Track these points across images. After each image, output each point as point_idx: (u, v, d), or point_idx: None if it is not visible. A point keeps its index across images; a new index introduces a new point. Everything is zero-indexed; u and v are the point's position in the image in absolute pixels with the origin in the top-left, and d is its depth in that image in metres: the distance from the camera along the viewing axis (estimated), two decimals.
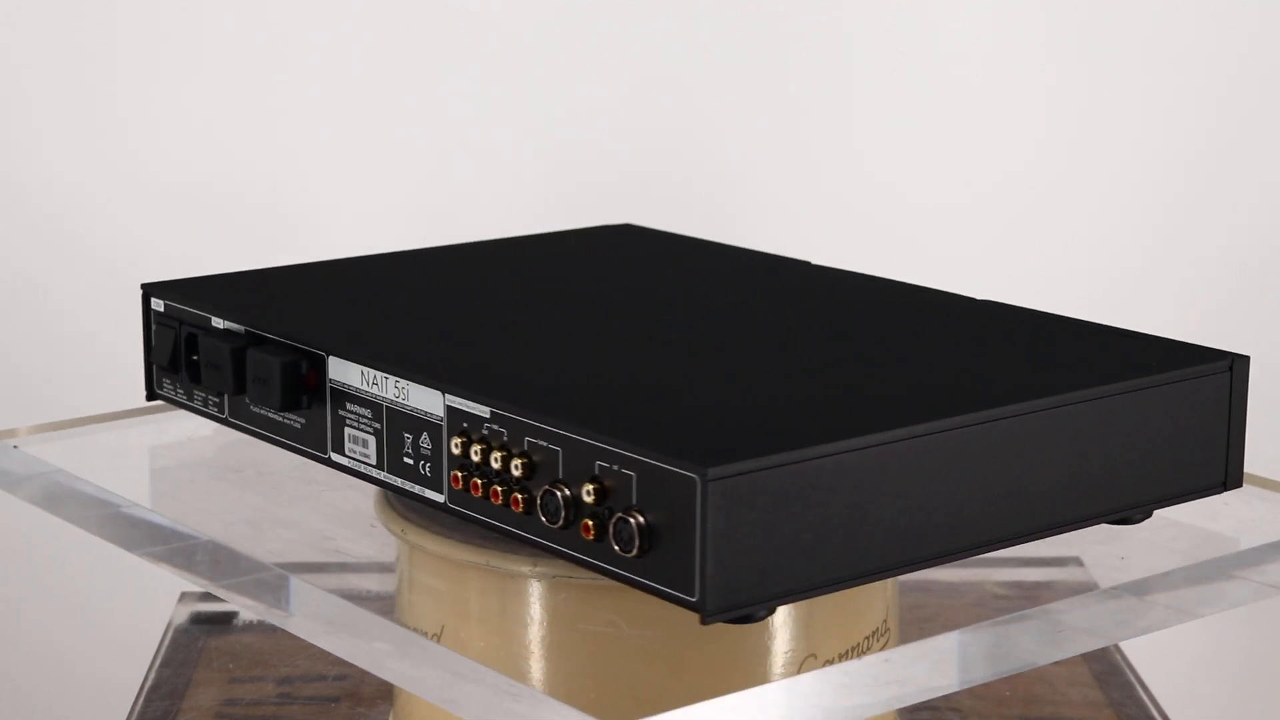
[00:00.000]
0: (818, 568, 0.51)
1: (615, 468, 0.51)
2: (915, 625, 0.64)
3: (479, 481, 0.55)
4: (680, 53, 1.25)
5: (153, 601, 1.10)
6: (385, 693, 0.78)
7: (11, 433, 0.73)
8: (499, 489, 0.54)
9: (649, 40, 1.25)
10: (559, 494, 0.52)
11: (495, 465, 0.54)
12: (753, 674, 0.58)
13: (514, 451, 0.54)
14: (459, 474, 0.55)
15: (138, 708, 0.80)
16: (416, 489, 0.57)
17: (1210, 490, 0.59)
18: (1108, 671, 0.85)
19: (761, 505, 0.50)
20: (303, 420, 0.62)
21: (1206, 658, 1.32)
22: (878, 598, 0.61)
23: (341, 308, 0.66)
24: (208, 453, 0.74)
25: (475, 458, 0.55)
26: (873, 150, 1.26)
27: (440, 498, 0.57)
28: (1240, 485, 0.60)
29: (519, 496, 0.53)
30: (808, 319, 0.64)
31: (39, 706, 1.30)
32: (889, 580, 0.62)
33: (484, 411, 0.55)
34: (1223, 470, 0.60)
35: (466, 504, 0.56)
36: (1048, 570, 0.77)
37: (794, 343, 0.61)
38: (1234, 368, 0.60)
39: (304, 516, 0.68)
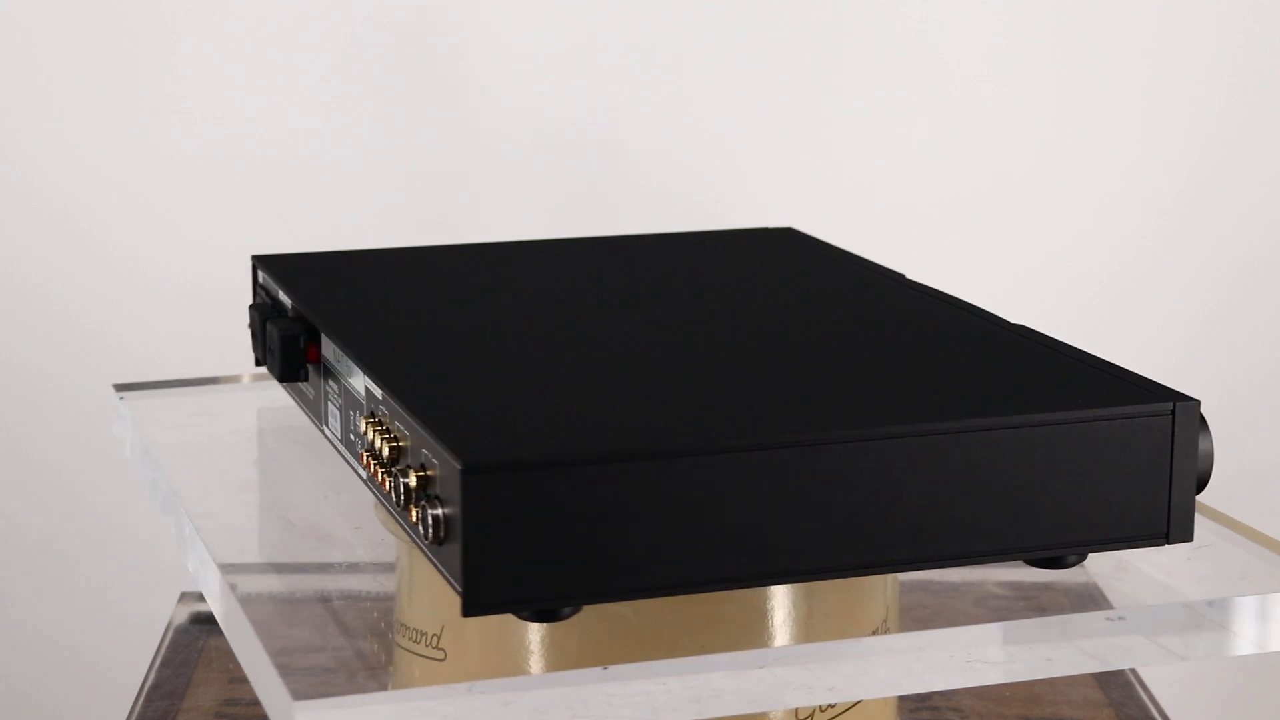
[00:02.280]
0: (609, 573, 0.51)
1: (432, 457, 0.52)
2: (915, 625, 0.64)
3: (371, 462, 0.57)
4: (677, 54, 1.25)
5: (153, 601, 1.10)
6: None
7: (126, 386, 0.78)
8: (378, 469, 0.56)
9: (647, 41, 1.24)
10: (402, 480, 0.54)
11: (378, 447, 0.56)
12: None
13: (388, 435, 0.56)
14: (365, 454, 0.58)
15: (138, 708, 0.80)
16: (355, 466, 0.61)
17: (1149, 541, 0.55)
18: (1108, 671, 0.85)
19: (538, 506, 0.50)
20: (312, 392, 0.66)
21: (1206, 658, 1.32)
22: (878, 596, 0.61)
23: (381, 291, 0.69)
24: (250, 431, 0.77)
25: (371, 438, 0.57)
26: (863, 144, 1.26)
27: (364, 474, 0.59)
28: (1189, 539, 0.55)
29: (387, 480, 0.56)
30: (758, 318, 0.64)
31: (39, 706, 1.30)
32: (889, 577, 0.62)
33: (378, 393, 0.57)
34: (1163, 522, 0.55)
35: (372, 482, 0.58)
36: (1045, 570, 0.77)
37: (726, 341, 0.61)
38: (1178, 412, 0.55)
39: (305, 515, 0.68)
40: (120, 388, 0.77)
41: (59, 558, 1.25)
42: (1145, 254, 1.28)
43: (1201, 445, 0.55)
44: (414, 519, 0.53)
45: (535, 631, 0.58)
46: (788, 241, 0.76)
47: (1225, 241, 1.28)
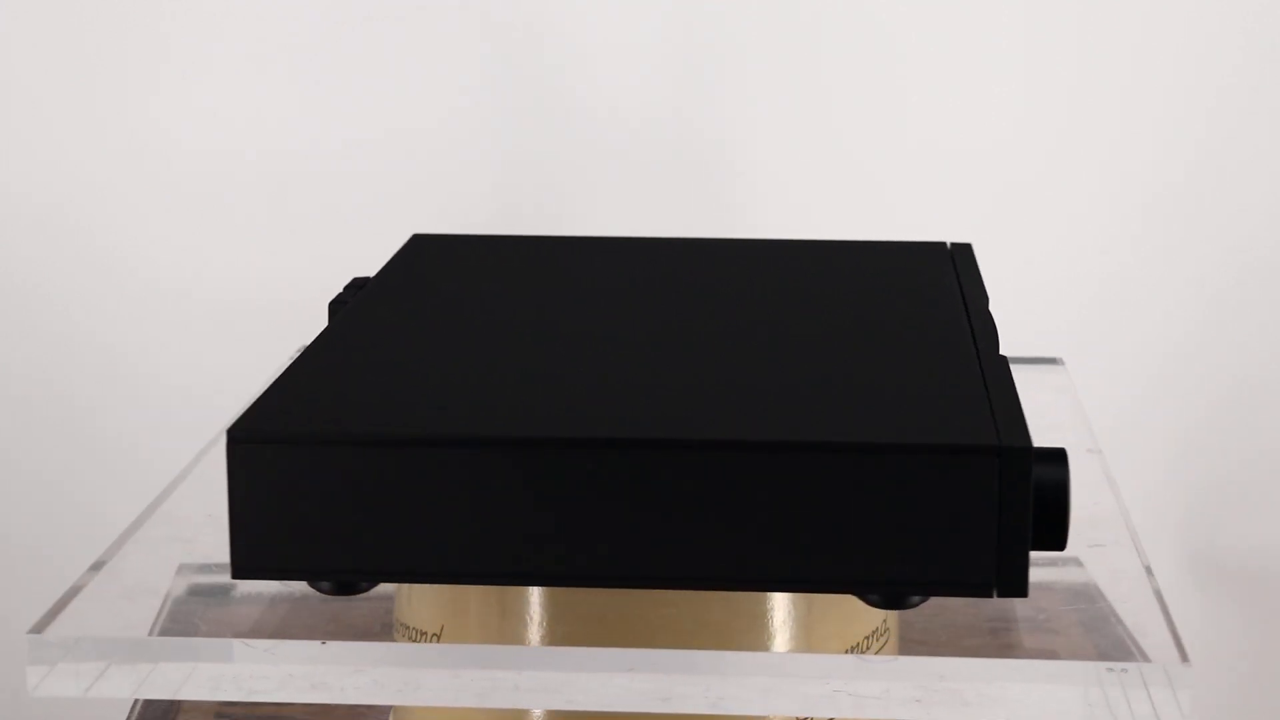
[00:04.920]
0: (376, 554, 0.52)
1: None
2: (915, 624, 0.64)
3: None
4: (679, 46, 1.25)
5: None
6: None
7: None
8: None
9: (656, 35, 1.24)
10: None
11: None
12: None
13: None
14: None
15: (138, 708, 0.80)
16: None
17: (975, 591, 0.51)
18: None
19: (293, 479, 0.52)
20: None
21: (1206, 658, 1.32)
22: None
23: (475, 274, 0.70)
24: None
25: None
26: (854, 130, 1.26)
27: None
28: (1024, 595, 0.51)
29: None
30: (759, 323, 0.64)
31: (39, 707, 1.30)
32: None
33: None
34: (992, 572, 0.51)
35: None
36: (1047, 571, 0.77)
37: (692, 341, 0.61)
38: (1005, 457, 0.51)
39: None
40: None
41: (58, 558, 1.25)
42: (1145, 252, 1.28)
43: (1046, 493, 0.51)
44: None
45: (535, 632, 0.58)
46: (924, 256, 0.74)
47: (1224, 239, 1.28)
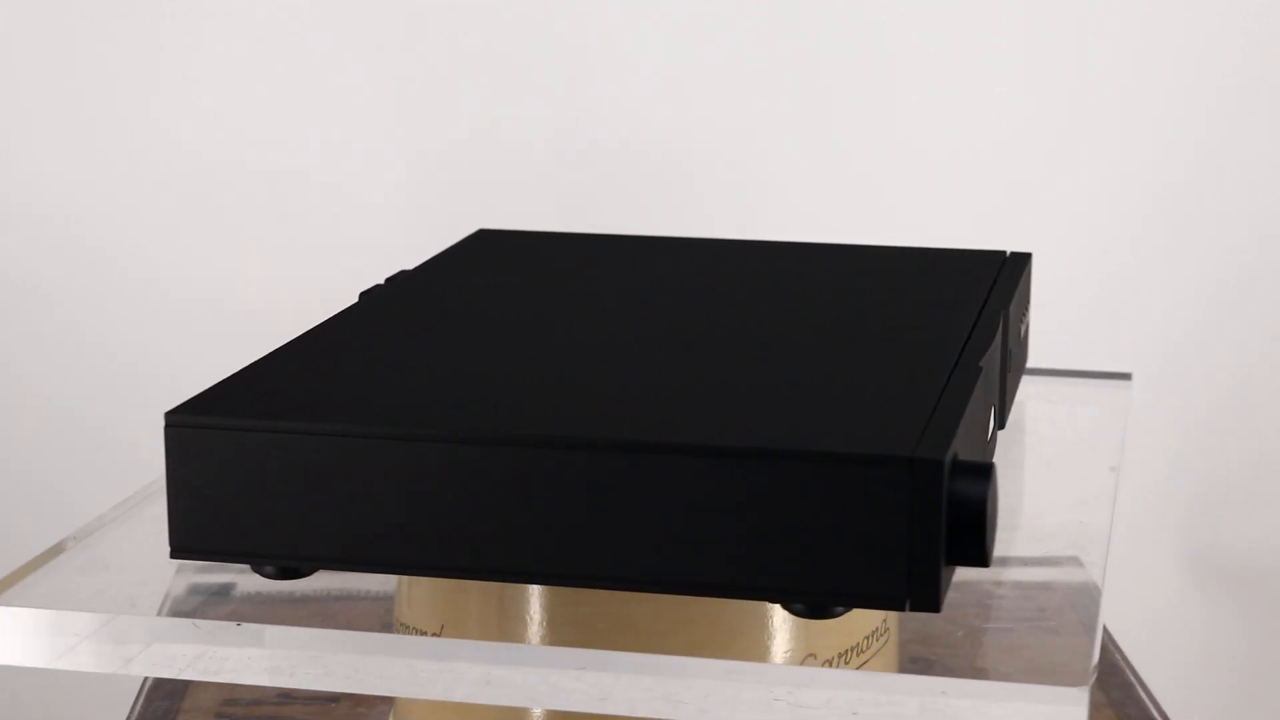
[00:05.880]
0: (308, 540, 0.53)
1: None
2: (915, 624, 0.64)
3: None
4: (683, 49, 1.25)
5: None
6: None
7: None
8: None
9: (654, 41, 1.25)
10: None
11: None
12: None
13: None
14: None
15: (138, 708, 0.80)
16: None
17: (888, 604, 0.50)
18: (1108, 671, 0.85)
19: (227, 462, 0.53)
20: None
21: (1206, 658, 1.32)
22: None
23: (530, 270, 0.70)
24: None
25: None
26: (859, 138, 1.26)
27: None
28: (936, 610, 0.50)
29: None
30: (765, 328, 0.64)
31: (40, 706, 1.30)
32: None
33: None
34: (903, 585, 0.50)
35: None
36: (1045, 570, 0.77)
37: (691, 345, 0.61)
38: (917, 470, 0.50)
39: None
40: None
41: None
42: (1144, 252, 1.28)
43: (963, 508, 0.50)
44: None
45: (535, 632, 0.58)
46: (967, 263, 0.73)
47: (1225, 240, 1.28)
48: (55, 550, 0.63)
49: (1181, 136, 1.26)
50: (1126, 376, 0.82)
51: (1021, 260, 0.73)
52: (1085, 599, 0.64)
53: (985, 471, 0.50)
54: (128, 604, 0.59)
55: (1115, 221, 1.27)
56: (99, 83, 1.23)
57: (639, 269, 0.71)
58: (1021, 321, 0.71)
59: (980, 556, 0.51)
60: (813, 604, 0.51)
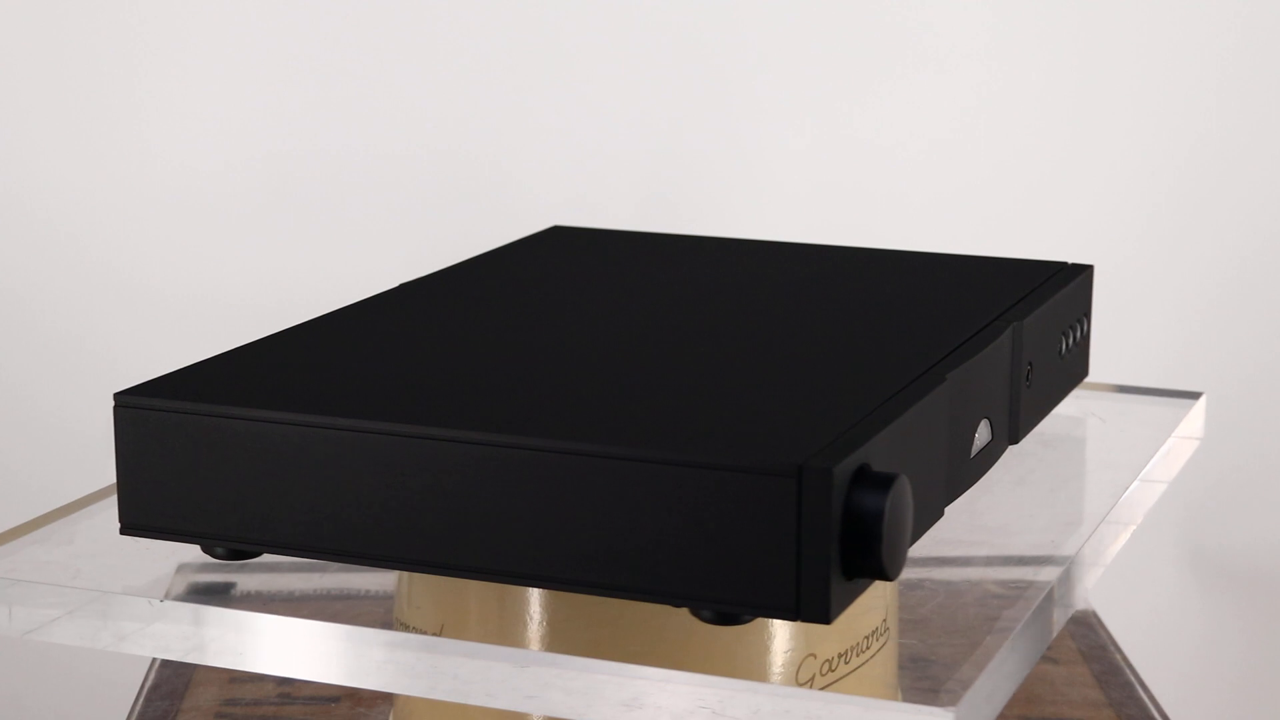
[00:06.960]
0: (254, 525, 0.54)
1: None
2: (915, 625, 0.64)
3: None
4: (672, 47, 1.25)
5: None
6: (385, 693, 0.78)
7: None
8: None
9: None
10: None
11: None
12: (750, 673, 0.58)
13: None
14: None
15: (138, 708, 0.80)
16: None
17: (778, 613, 0.50)
18: (1108, 671, 0.85)
19: (174, 445, 0.54)
20: None
21: (1206, 658, 1.32)
22: (877, 597, 0.61)
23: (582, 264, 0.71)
24: None
25: None
26: (863, 136, 1.26)
27: None
28: (827, 621, 0.49)
29: None
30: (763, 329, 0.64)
31: (40, 707, 1.30)
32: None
33: None
34: (792, 595, 0.49)
35: None
36: (1046, 570, 0.77)
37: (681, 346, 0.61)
38: (805, 480, 0.49)
39: None
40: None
41: None
42: (1143, 255, 1.28)
43: (858, 518, 0.50)
44: None
45: (535, 632, 0.58)
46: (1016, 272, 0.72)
47: (1223, 236, 1.28)
48: (32, 525, 0.64)
49: (1182, 137, 1.26)
50: (1195, 396, 0.80)
51: (1073, 272, 0.71)
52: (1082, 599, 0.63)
53: (885, 482, 0.50)
54: (97, 582, 0.60)
55: (1115, 222, 1.27)
56: (84, 72, 1.23)
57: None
58: (1067, 334, 0.70)
59: (877, 567, 0.50)
60: (718, 610, 0.51)
